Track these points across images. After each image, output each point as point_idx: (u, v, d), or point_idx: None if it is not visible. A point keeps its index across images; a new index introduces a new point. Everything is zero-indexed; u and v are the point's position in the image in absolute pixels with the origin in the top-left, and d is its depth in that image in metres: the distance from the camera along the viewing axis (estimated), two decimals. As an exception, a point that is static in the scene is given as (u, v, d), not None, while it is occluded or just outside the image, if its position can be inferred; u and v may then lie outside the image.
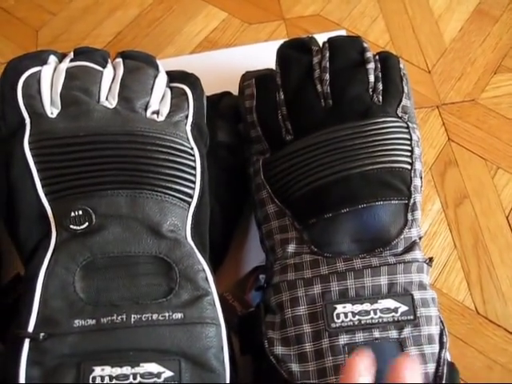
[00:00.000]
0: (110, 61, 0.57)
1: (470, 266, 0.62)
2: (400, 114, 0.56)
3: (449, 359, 0.50)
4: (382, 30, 0.77)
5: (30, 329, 0.46)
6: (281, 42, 0.62)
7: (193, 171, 0.52)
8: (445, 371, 0.48)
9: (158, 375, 0.45)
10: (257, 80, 0.59)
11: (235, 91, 0.61)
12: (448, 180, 0.67)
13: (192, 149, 0.53)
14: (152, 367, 0.45)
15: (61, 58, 0.56)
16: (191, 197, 0.51)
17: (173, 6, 0.79)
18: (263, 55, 0.62)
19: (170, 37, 0.76)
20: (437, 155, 0.68)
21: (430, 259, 0.53)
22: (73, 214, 0.49)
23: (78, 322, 0.46)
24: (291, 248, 0.52)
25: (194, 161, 0.52)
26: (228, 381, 0.46)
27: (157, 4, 0.79)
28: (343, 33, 0.76)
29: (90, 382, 0.44)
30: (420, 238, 0.53)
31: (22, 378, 0.44)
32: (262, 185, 0.55)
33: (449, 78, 0.73)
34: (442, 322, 0.51)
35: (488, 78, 0.73)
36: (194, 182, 0.52)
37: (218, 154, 0.58)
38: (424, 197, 0.64)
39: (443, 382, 0.47)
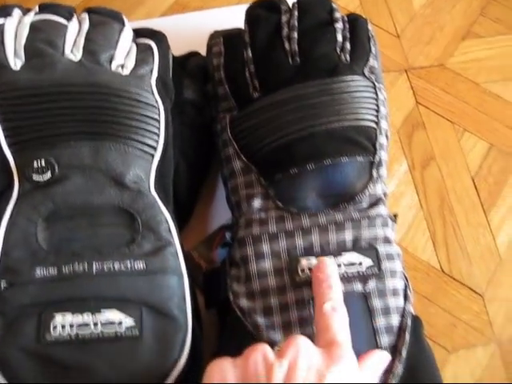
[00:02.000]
0: (75, 15, 0.56)
1: (435, 226, 0.63)
2: (367, 74, 0.56)
3: (413, 313, 0.50)
4: (352, -6, 0.77)
5: (-8, 279, 0.46)
6: (251, 4, 0.61)
7: (157, 124, 0.52)
8: (409, 323, 0.48)
9: (119, 324, 0.45)
10: (225, 38, 0.59)
11: (204, 54, 0.61)
12: (415, 142, 0.67)
13: (156, 102, 0.52)
14: (113, 315, 0.45)
15: (25, 12, 0.56)
16: (155, 149, 0.51)
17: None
18: (234, 18, 0.62)
19: (141, -1, 0.76)
20: (404, 118, 0.68)
21: (395, 215, 0.53)
22: (35, 164, 0.48)
23: (39, 272, 0.46)
24: (257, 203, 0.52)
25: (159, 114, 0.52)
26: (190, 330, 0.46)
27: (128, -36, 0.78)
28: (313, -4, 0.75)
29: (51, 330, 0.44)
30: (385, 195, 0.53)
31: (-17, 327, 0.44)
32: (228, 141, 0.55)
33: (418, 43, 0.74)
34: (406, 277, 0.51)
35: (456, 44, 0.74)
36: (157, 135, 0.51)
37: (184, 111, 0.58)
38: (391, 158, 0.64)
39: (407, 334, 0.48)
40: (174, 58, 0.59)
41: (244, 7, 0.62)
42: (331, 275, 0.47)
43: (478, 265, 0.61)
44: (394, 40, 0.74)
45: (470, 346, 0.58)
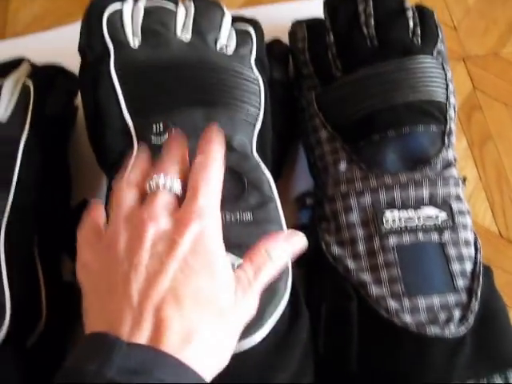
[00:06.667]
0: (180, 2, 0.64)
1: (494, 196, 0.69)
2: (435, 55, 0.63)
3: (484, 263, 0.57)
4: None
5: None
6: (326, -2, 0.68)
7: (257, 97, 0.58)
8: (481, 269, 0.55)
9: None
10: (307, 25, 0.67)
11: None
12: (473, 122, 0.74)
13: (257, 78, 0.59)
14: None
15: (136, -1, 0.63)
16: (256, 119, 0.58)
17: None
18: (308, 12, 0.70)
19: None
20: (463, 101, 0.75)
21: (465, 178, 0.60)
22: (154, 128, 0.55)
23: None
24: (342, 167, 0.59)
25: (259, 89, 0.59)
26: (290, 273, 0.52)
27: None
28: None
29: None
30: (455, 160, 0.60)
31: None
32: (315, 114, 0.62)
33: (473, 35, 0.81)
34: (475, 233, 0.58)
35: (509, 35, 0.80)
36: (258, 106, 0.58)
37: (273, 89, 0.65)
38: (452, 136, 0.71)
39: (480, 278, 0.54)
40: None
41: (319, 0, 0.68)
42: (215, 132, 0.49)
43: (533, 232, 0.68)
44: (451, 32, 0.81)
45: (529, 302, 0.64)
